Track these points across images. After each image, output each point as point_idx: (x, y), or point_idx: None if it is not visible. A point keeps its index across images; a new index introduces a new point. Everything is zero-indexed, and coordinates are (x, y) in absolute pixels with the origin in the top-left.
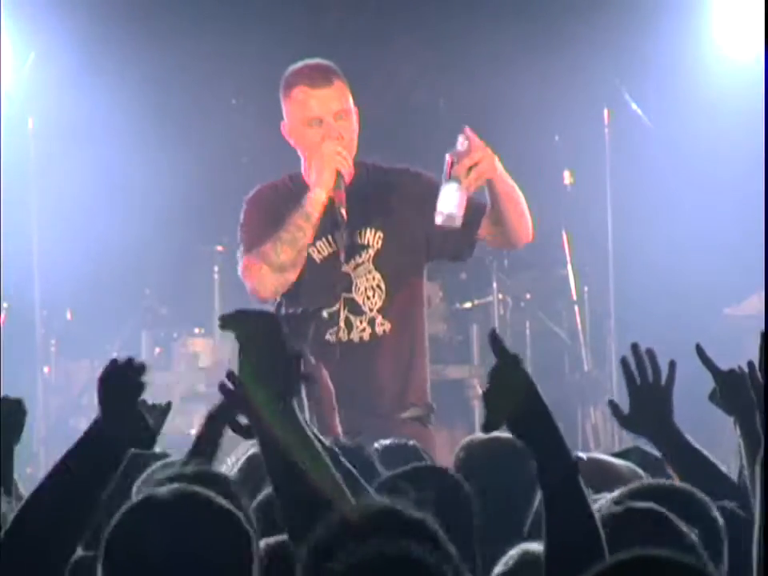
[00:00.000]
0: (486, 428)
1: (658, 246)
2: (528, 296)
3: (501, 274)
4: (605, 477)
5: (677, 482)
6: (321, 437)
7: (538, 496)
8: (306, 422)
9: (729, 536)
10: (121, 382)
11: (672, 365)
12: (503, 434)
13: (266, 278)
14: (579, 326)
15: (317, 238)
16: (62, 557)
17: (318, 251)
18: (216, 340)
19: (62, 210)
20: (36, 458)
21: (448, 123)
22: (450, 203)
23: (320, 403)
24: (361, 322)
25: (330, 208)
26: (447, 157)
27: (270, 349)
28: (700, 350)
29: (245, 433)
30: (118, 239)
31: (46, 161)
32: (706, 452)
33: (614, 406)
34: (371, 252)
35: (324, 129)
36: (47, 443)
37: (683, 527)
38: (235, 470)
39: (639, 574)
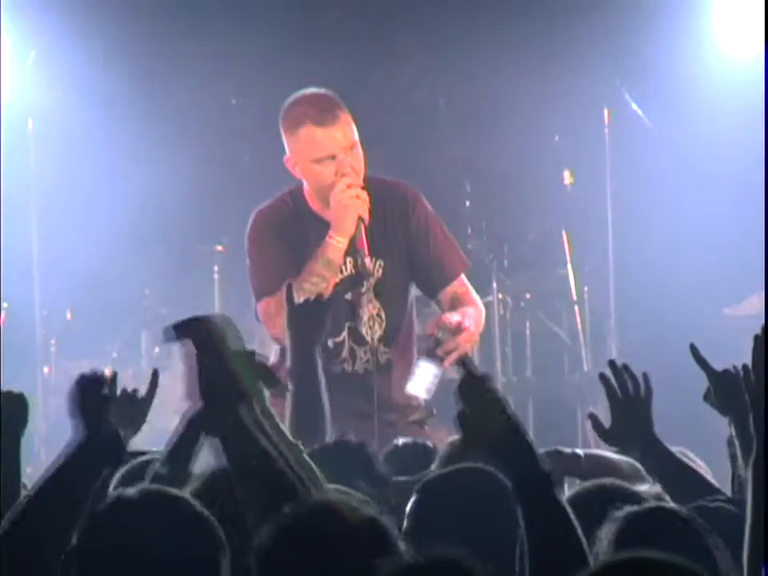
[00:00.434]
0: (464, 450)
1: (657, 246)
2: (528, 296)
3: (501, 274)
4: (605, 473)
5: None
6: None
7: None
8: (266, 416)
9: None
10: (89, 396)
11: (645, 377)
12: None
13: None
14: (579, 326)
15: None
16: (54, 555)
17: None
18: None
19: (62, 210)
20: (36, 458)
21: (448, 123)
22: (424, 384)
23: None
24: (365, 353)
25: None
26: (429, 331)
27: (227, 349)
28: (694, 350)
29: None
30: (117, 239)
31: (45, 161)
32: (686, 460)
33: (594, 420)
34: (372, 281)
35: (336, 165)
36: (47, 443)
37: None
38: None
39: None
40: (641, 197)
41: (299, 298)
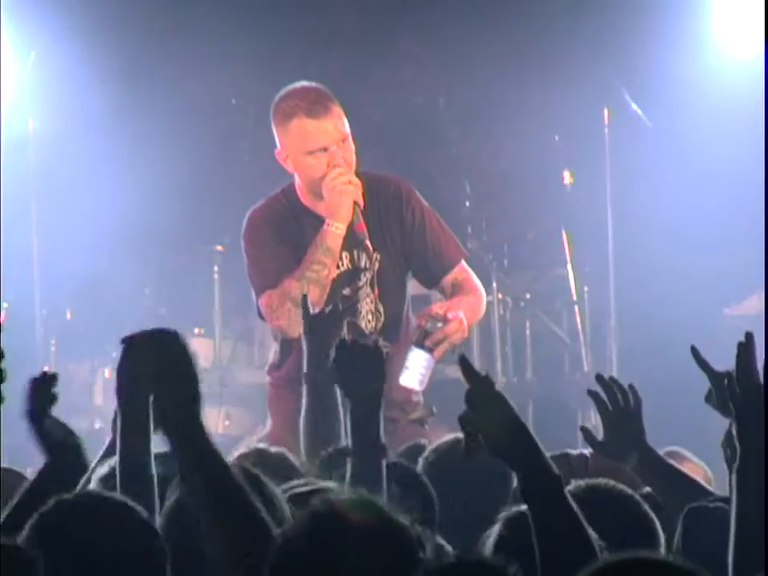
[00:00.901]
0: (466, 453)
1: (657, 246)
2: (528, 296)
3: (501, 274)
4: (610, 473)
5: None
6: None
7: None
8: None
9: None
10: (37, 397)
11: (632, 387)
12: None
13: (295, 319)
14: (579, 326)
15: None
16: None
17: None
18: (216, 340)
19: (62, 210)
20: (36, 458)
21: (448, 123)
22: (416, 375)
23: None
24: None
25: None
26: (418, 322)
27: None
28: (695, 352)
29: None
30: (117, 239)
31: (46, 161)
32: (679, 468)
33: (586, 433)
34: (369, 275)
35: (329, 157)
36: None
37: None
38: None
39: None
40: (641, 197)
41: (303, 287)
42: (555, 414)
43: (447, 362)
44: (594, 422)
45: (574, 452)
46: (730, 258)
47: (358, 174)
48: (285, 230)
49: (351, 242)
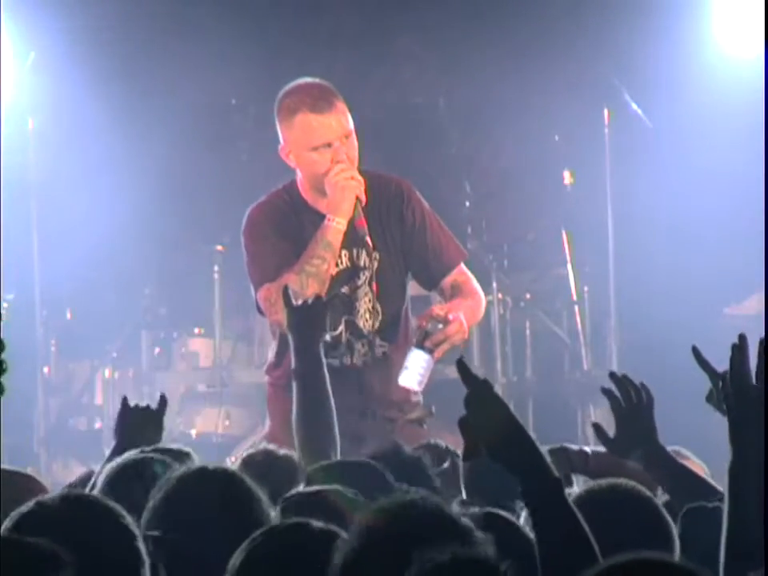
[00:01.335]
0: (466, 457)
1: (657, 246)
2: (528, 296)
3: (501, 274)
4: (613, 471)
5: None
6: None
7: None
8: None
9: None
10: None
11: (644, 386)
12: None
13: None
14: (579, 326)
15: None
16: None
17: None
18: (216, 340)
19: (62, 210)
20: (36, 458)
21: (448, 123)
22: (415, 376)
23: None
24: (362, 345)
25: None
26: (419, 323)
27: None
28: (696, 352)
29: None
30: (118, 239)
31: (45, 161)
32: (682, 459)
33: (598, 429)
34: (368, 274)
35: (332, 152)
36: (47, 443)
37: None
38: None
39: None
40: (641, 197)
41: (302, 282)
42: (555, 414)
43: (447, 362)
44: (594, 420)
45: (574, 447)
46: (730, 258)
47: (359, 172)
48: (285, 226)
49: (351, 239)
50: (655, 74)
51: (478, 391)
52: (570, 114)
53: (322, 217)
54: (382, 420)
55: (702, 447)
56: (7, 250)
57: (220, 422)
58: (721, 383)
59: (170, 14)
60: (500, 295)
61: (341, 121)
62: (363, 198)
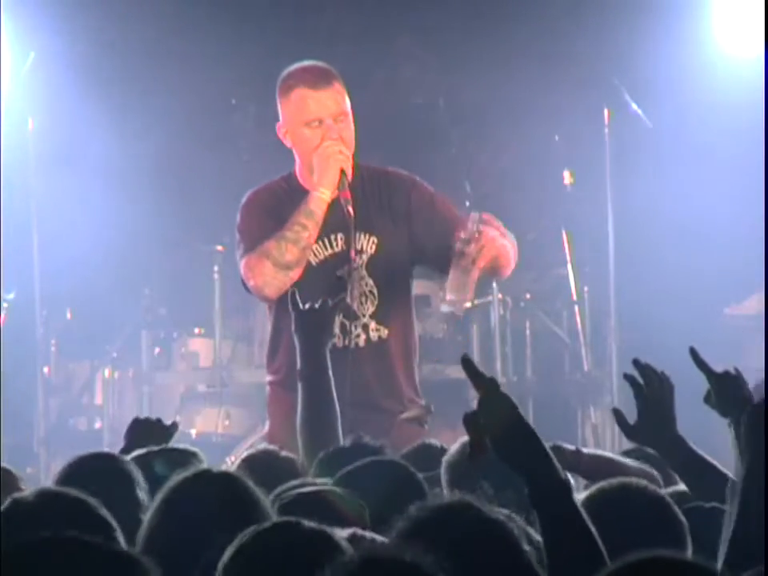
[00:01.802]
0: (472, 456)
1: (658, 246)
2: (528, 296)
3: None
4: (608, 472)
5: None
6: None
7: None
8: None
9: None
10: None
11: (664, 374)
12: None
13: (271, 276)
14: (579, 326)
15: (315, 240)
16: None
17: (315, 254)
18: (216, 340)
19: (62, 210)
20: (36, 458)
21: (448, 123)
22: (455, 292)
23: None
24: (355, 327)
25: (331, 209)
26: (456, 244)
27: None
28: (694, 353)
29: None
30: (118, 239)
31: (45, 161)
32: (712, 460)
33: (619, 416)
34: (365, 258)
35: (324, 129)
36: (47, 443)
37: None
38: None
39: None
40: (641, 197)
41: (281, 247)
42: (555, 414)
43: (447, 362)
44: (594, 420)
45: (569, 446)
46: (731, 258)
47: (361, 167)
48: (278, 209)
49: (347, 222)
50: (655, 74)
51: (491, 391)
52: (570, 114)
53: None
54: (382, 417)
55: (702, 447)
56: (7, 250)
57: (220, 422)
58: (717, 384)
59: (170, 14)
60: (500, 295)
61: (336, 99)
62: (349, 172)
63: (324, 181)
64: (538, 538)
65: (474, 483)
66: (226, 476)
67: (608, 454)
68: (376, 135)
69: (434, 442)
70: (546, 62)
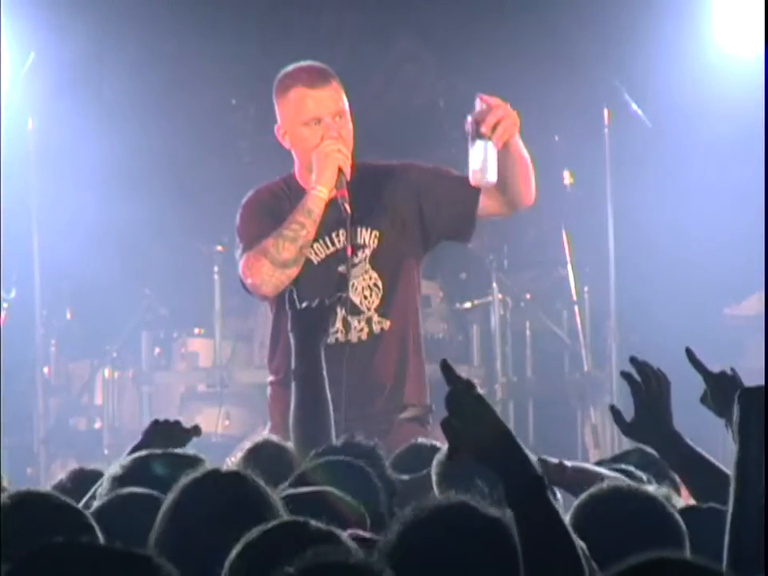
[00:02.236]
0: (450, 457)
1: (658, 246)
2: (528, 296)
3: (501, 274)
4: (590, 481)
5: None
6: None
7: None
8: None
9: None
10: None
11: (660, 371)
12: None
13: (268, 275)
14: (579, 326)
15: (315, 239)
16: None
17: (316, 253)
18: (216, 340)
19: (62, 210)
20: (36, 458)
21: (448, 123)
22: (482, 161)
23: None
24: (359, 322)
25: (331, 207)
26: (468, 118)
27: None
28: (690, 353)
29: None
30: (118, 239)
31: (45, 161)
32: (709, 457)
33: (616, 413)
34: (368, 252)
35: (323, 128)
36: (47, 443)
37: None
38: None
39: None
40: (641, 197)
41: (278, 245)
42: (555, 414)
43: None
44: (594, 420)
45: (553, 460)
46: (730, 258)
47: (360, 166)
48: (277, 209)
49: (344, 221)
50: (656, 74)
51: (459, 392)
52: (570, 114)
53: None
54: (382, 416)
55: (702, 447)
56: (7, 249)
57: (220, 422)
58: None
59: (170, 14)
60: (500, 295)
61: (334, 98)
62: (347, 171)
63: (322, 179)
64: None
65: (468, 481)
66: (235, 475)
67: (593, 467)
68: (376, 135)
69: (425, 441)
70: (546, 62)
